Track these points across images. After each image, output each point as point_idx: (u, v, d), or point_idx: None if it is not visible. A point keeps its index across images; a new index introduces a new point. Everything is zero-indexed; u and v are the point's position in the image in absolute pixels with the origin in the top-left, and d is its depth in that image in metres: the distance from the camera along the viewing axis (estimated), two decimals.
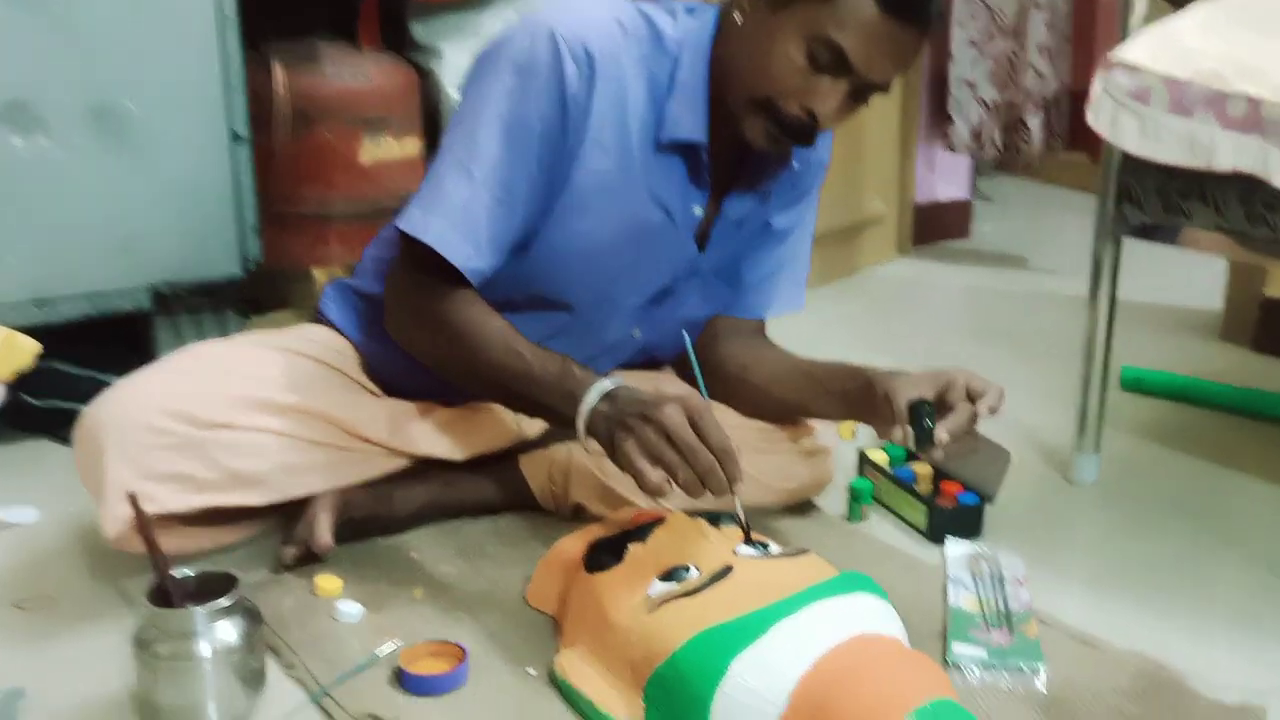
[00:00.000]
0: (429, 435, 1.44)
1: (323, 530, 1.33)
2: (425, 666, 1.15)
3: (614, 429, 1.14)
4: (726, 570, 1.13)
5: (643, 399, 1.15)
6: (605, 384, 1.18)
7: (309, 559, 1.35)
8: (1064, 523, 1.63)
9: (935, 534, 1.50)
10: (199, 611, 1.04)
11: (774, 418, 1.48)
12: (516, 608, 1.29)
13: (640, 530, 1.23)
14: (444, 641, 1.18)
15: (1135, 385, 2.10)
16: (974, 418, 1.23)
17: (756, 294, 1.50)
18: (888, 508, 1.58)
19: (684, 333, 1.28)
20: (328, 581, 1.31)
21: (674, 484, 1.09)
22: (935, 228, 3.28)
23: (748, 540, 1.20)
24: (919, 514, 1.52)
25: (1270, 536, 1.57)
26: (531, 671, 1.17)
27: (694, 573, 1.14)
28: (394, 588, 1.32)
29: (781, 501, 1.51)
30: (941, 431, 1.20)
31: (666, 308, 1.44)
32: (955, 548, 1.45)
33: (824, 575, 1.13)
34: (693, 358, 1.25)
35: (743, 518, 1.19)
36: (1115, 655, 1.22)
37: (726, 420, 1.38)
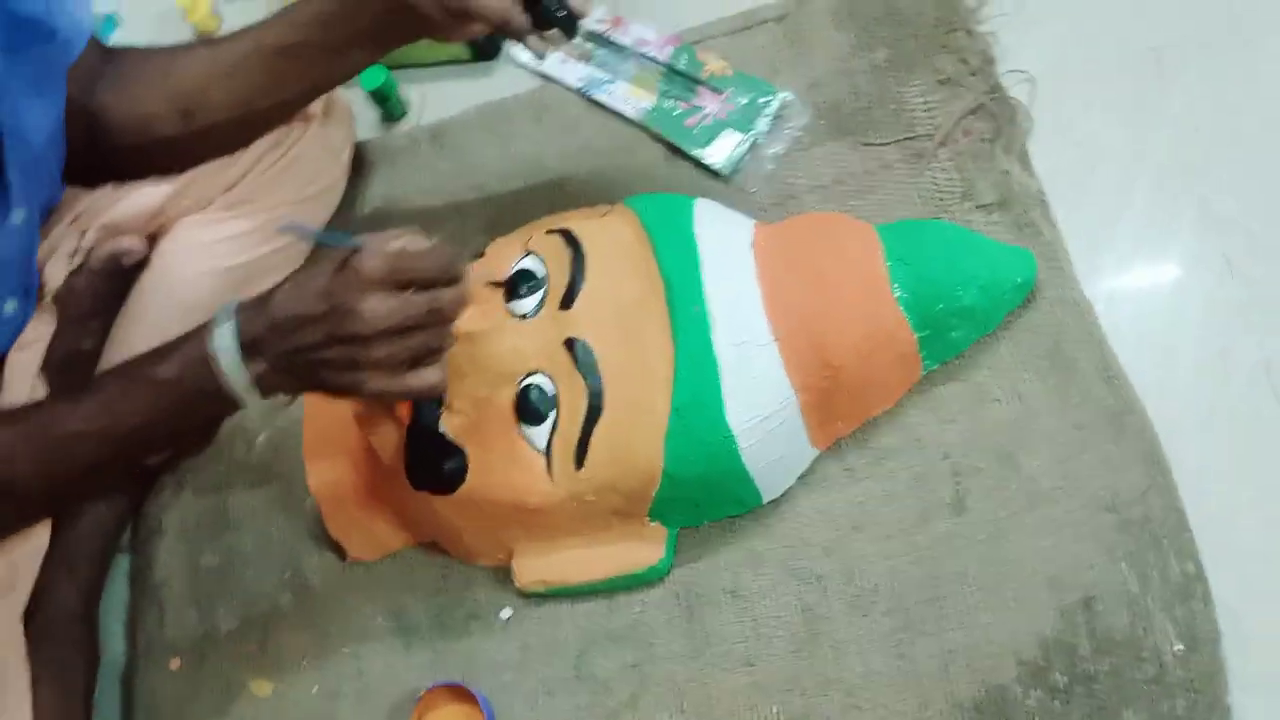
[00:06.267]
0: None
1: None
2: None
3: (311, 374, 0.75)
4: (571, 345, 0.85)
5: (292, 300, 0.73)
6: (217, 331, 0.74)
7: None
8: None
9: (486, 46, 1.19)
10: None
11: (275, 125, 1.02)
12: (366, 581, 0.97)
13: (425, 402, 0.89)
14: (428, 694, 0.88)
15: None
16: None
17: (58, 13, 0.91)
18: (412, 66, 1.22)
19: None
20: None
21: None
22: None
23: (509, 292, 0.90)
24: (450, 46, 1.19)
25: None
26: (505, 614, 0.92)
27: (546, 382, 0.86)
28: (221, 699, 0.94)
29: (328, 206, 1.12)
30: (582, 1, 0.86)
31: None
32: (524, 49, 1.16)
33: (630, 228, 0.89)
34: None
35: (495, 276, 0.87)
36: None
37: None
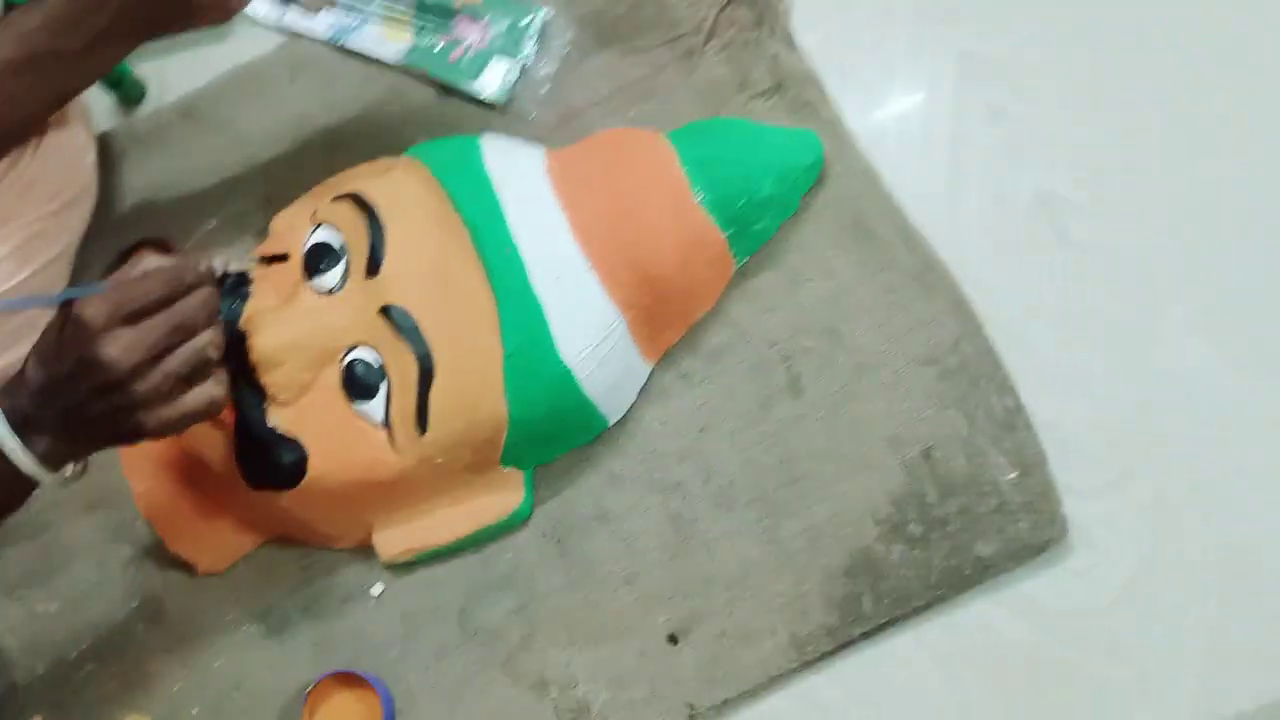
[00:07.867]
0: None
1: None
2: None
3: (90, 432, 0.71)
4: (388, 312, 0.82)
5: (38, 367, 0.70)
6: None
7: None
8: None
9: None
10: None
11: (19, 143, 0.93)
12: (224, 590, 0.93)
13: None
14: (316, 688, 0.86)
15: None
16: None
17: None
18: None
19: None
20: None
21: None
22: None
23: (309, 270, 0.86)
24: None
25: None
26: (376, 590, 0.91)
27: (370, 354, 0.83)
28: None
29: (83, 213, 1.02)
30: None
31: None
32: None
33: (420, 179, 0.87)
34: None
35: (244, 265, 0.81)
36: None
37: None
